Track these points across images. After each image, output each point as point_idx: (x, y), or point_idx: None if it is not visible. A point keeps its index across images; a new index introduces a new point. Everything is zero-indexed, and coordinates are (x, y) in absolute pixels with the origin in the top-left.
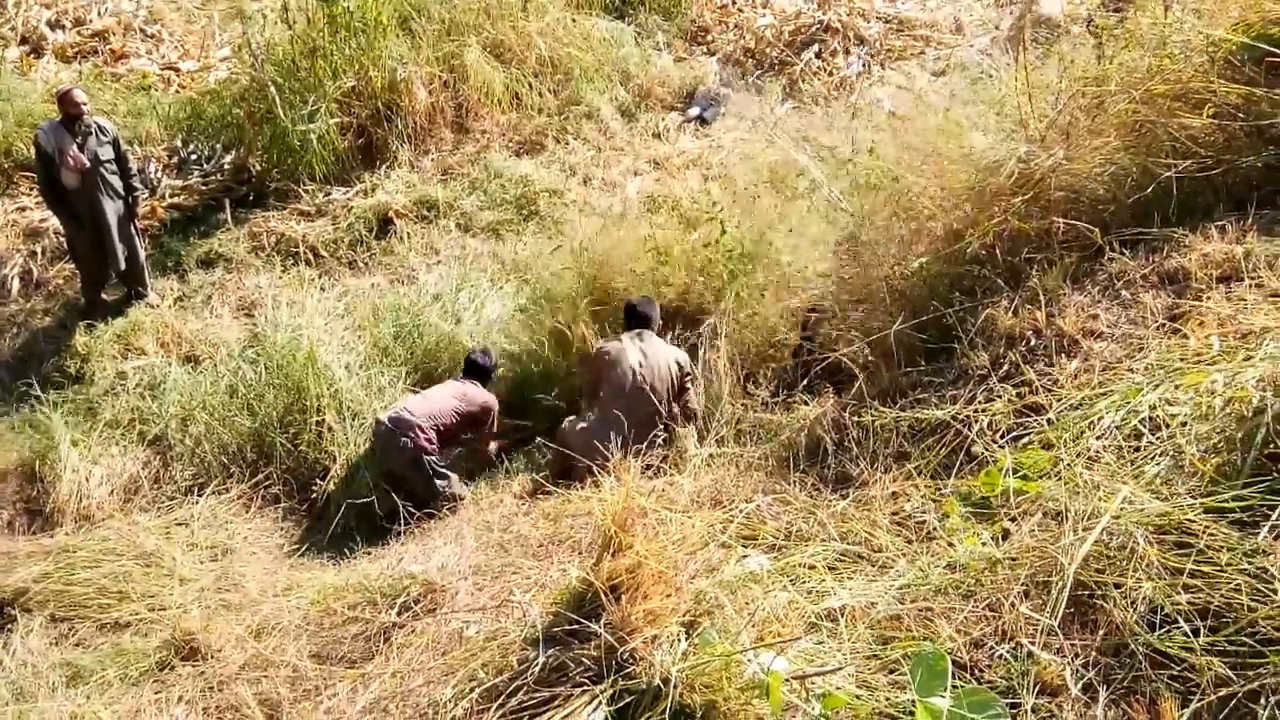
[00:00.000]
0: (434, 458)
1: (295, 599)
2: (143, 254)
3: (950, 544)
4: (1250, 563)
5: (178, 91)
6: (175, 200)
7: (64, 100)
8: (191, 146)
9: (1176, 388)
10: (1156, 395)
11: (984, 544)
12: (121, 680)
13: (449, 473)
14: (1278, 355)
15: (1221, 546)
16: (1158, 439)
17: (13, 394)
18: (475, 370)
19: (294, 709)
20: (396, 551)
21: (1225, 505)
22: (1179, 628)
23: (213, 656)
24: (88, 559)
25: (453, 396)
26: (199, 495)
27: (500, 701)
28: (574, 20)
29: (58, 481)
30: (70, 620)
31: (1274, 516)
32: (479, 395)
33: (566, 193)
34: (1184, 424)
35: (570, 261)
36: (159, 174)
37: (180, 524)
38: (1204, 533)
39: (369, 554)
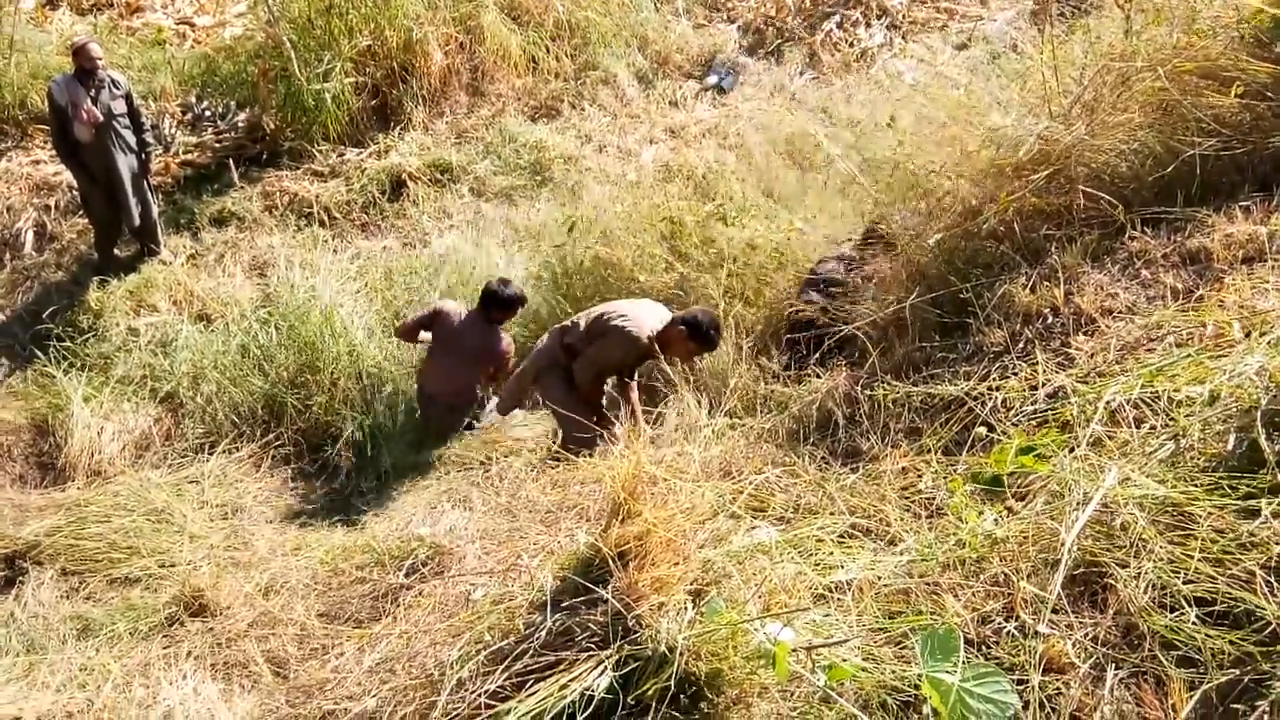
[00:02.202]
0: (469, 418)
1: (304, 558)
2: (156, 210)
3: (959, 520)
4: (1255, 553)
5: (192, 47)
6: (189, 157)
7: (79, 54)
8: (205, 103)
9: (1186, 373)
10: (1168, 378)
11: (989, 521)
12: (131, 634)
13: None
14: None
15: (1225, 533)
16: (1168, 422)
17: (26, 347)
18: (493, 301)
19: (301, 666)
20: (405, 514)
21: (1225, 493)
22: (1185, 613)
23: (221, 613)
24: (98, 514)
25: (473, 358)
26: (210, 454)
27: (506, 664)
28: None
29: (70, 436)
30: (81, 574)
31: (1268, 509)
32: (495, 344)
33: (581, 159)
34: (1191, 410)
35: (583, 230)
36: (173, 130)
37: (191, 482)
38: (1206, 519)
39: (377, 516)
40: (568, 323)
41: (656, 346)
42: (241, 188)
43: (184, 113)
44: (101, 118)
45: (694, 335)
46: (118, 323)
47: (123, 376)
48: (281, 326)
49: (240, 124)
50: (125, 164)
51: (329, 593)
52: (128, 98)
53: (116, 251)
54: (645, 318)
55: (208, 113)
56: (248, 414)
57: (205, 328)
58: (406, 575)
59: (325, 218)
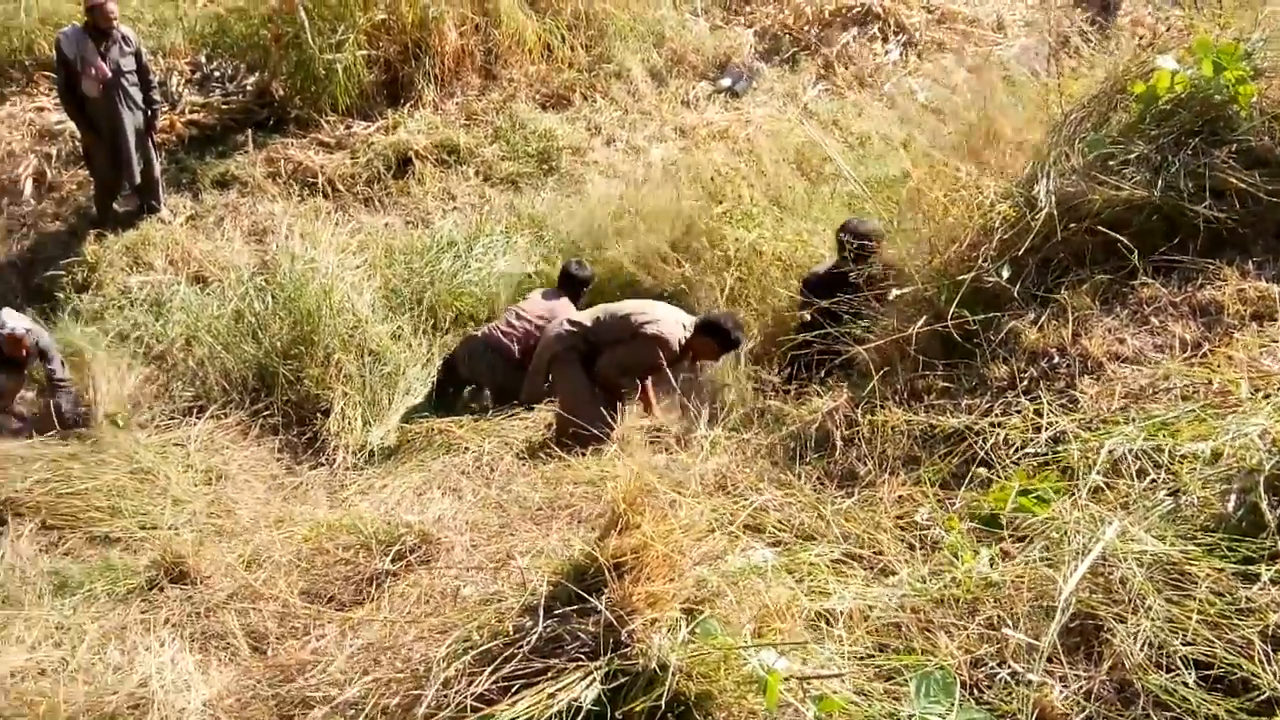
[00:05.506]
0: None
1: (287, 532)
2: (158, 168)
3: (954, 558)
4: (1253, 620)
5: (205, 5)
6: (195, 117)
7: (95, 11)
8: (215, 64)
9: (1189, 428)
10: (1171, 432)
11: (984, 562)
12: (109, 595)
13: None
14: None
15: (1223, 596)
16: (1169, 477)
17: (19, 296)
18: (569, 281)
19: (281, 645)
20: (392, 497)
21: (1224, 555)
22: (1181, 674)
23: (201, 582)
24: (84, 471)
25: (543, 315)
26: (198, 417)
27: (494, 667)
28: None
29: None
30: (61, 530)
31: (1267, 574)
32: (567, 313)
33: (589, 151)
34: (1193, 466)
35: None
36: (180, 88)
37: (177, 444)
38: (1204, 580)
39: (363, 495)
40: (586, 320)
41: (687, 352)
42: (246, 152)
43: (193, 71)
44: (110, 75)
45: (721, 340)
46: (113, 278)
47: (117, 333)
48: (279, 296)
49: (249, 87)
50: (130, 121)
51: (312, 571)
52: (137, 55)
53: (116, 206)
54: (673, 325)
55: (216, 73)
56: (238, 381)
57: (201, 290)
58: (393, 561)
59: (329, 189)
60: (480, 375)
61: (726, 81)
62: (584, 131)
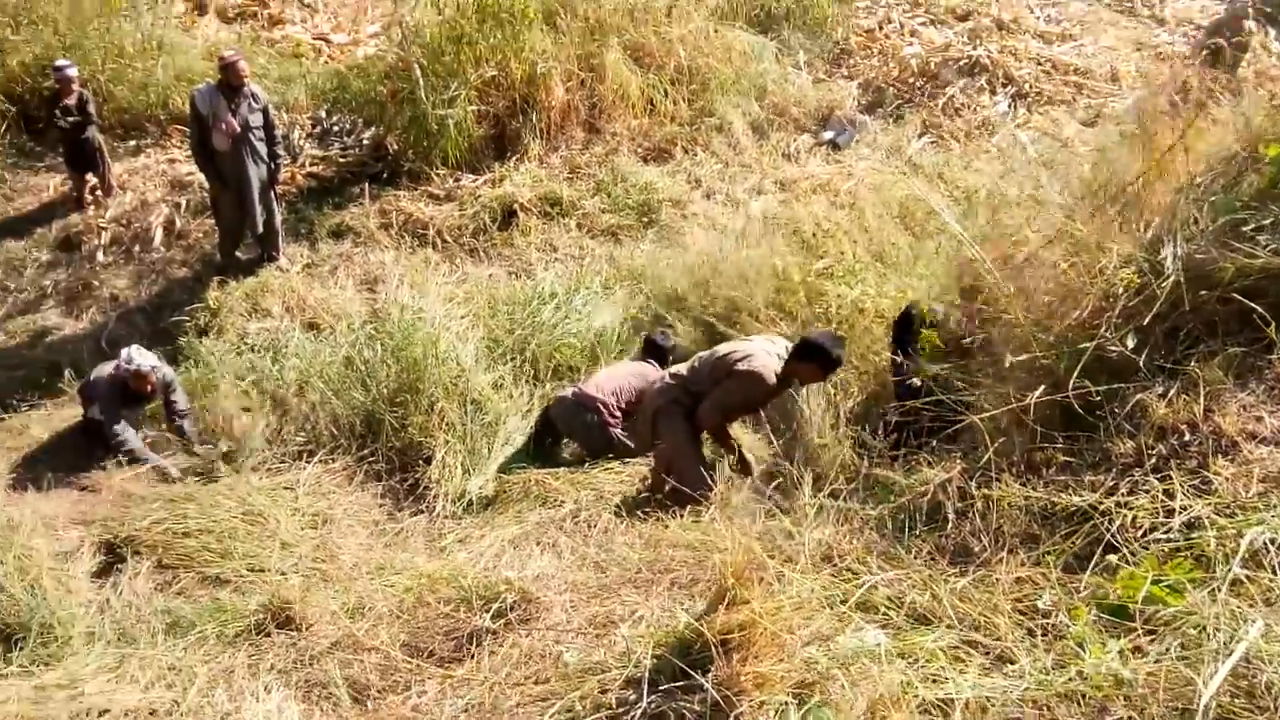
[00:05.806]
0: (617, 430)
1: (389, 581)
2: (279, 218)
3: (1079, 649)
4: None
5: (326, 62)
6: (314, 169)
7: (229, 69)
8: (334, 118)
9: None
10: None
11: (1113, 656)
12: (218, 637)
13: (628, 442)
14: None
15: None
16: None
17: (145, 338)
18: (654, 350)
19: (382, 699)
20: (490, 549)
21: None
22: None
23: (306, 628)
24: (198, 511)
25: (633, 375)
26: (307, 461)
27: None
28: (716, 30)
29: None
30: (175, 569)
31: None
32: (655, 375)
33: (689, 204)
34: None
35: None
36: (301, 141)
37: (286, 488)
38: None
39: (461, 545)
40: (684, 370)
41: (790, 380)
42: (361, 203)
43: (313, 125)
44: (239, 130)
45: (822, 362)
46: (233, 323)
47: (236, 376)
48: (387, 344)
49: (365, 141)
50: (256, 173)
51: (413, 623)
52: (264, 111)
53: (238, 254)
54: (767, 357)
55: (335, 128)
56: (346, 427)
57: (314, 337)
58: (493, 619)
59: (438, 240)
60: (575, 433)
61: (829, 134)
62: (684, 184)
